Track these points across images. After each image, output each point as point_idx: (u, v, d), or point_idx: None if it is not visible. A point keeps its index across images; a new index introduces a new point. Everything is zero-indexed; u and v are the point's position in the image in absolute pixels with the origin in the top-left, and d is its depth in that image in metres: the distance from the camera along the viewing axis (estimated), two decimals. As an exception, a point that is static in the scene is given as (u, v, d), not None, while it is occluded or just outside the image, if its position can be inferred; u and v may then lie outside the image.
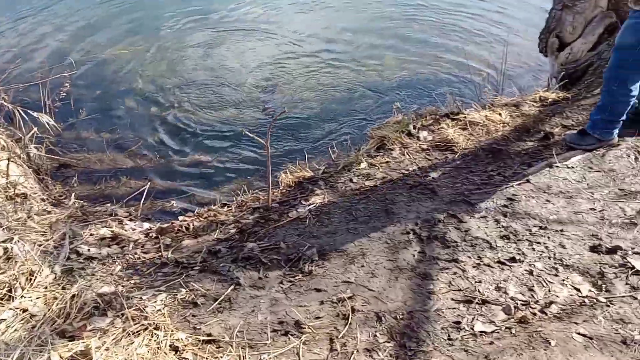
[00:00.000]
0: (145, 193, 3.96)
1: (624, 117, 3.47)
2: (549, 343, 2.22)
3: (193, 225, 3.41)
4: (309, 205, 3.41)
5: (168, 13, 8.13)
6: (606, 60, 4.51)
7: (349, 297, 2.54)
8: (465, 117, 4.10)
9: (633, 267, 2.61)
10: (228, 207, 3.69)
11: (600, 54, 4.62)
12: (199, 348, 2.27)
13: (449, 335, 2.31)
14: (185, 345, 2.26)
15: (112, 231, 3.22)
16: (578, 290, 2.52)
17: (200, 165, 4.92)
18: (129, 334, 2.26)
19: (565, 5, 4.75)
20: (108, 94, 6.04)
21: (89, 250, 2.98)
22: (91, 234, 3.18)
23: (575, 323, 2.32)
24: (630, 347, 2.19)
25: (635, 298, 2.44)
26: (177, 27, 7.69)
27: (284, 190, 3.75)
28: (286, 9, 8.44)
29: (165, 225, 3.43)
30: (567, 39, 4.85)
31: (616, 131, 3.55)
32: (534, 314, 2.39)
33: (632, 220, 2.96)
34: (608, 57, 4.49)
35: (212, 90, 6.06)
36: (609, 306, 2.41)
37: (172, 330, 2.33)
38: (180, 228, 3.37)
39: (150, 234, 3.32)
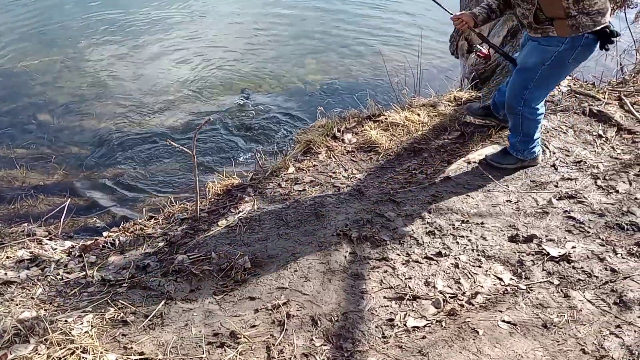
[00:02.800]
0: (65, 210, 3.78)
1: (537, 135, 3.46)
2: (477, 332, 2.33)
3: (119, 240, 3.29)
4: (238, 213, 3.38)
5: (81, 23, 7.81)
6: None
7: (284, 303, 2.55)
8: (386, 118, 4.21)
9: (548, 254, 2.79)
10: (155, 219, 3.60)
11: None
12: (132, 368, 2.20)
13: (383, 333, 2.37)
14: (116, 367, 2.17)
15: (30, 252, 3.06)
16: (500, 279, 2.67)
17: (124, 178, 4.76)
18: (55, 360, 2.15)
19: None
20: (20, 107, 5.73)
21: (5, 274, 2.81)
22: (7, 257, 3.01)
23: (500, 311, 2.45)
24: (550, 329, 2.33)
25: (552, 283, 2.61)
26: (92, 37, 7.40)
27: (213, 200, 3.70)
28: (204, 17, 8.33)
29: (89, 243, 3.29)
30: (476, 41, 5.09)
31: (537, 149, 3.53)
32: (462, 306, 2.50)
33: (544, 210, 3.16)
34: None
35: (132, 99, 5.88)
36: (529, 292, 2.56)
37: (101, 352, 2.24)
38: (105, 244, 3.25)
39: (73, 253, 3.18)
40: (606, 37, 2.94)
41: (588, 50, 3.05)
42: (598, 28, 2.90)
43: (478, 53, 3.66)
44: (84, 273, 2.90)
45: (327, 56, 6.83)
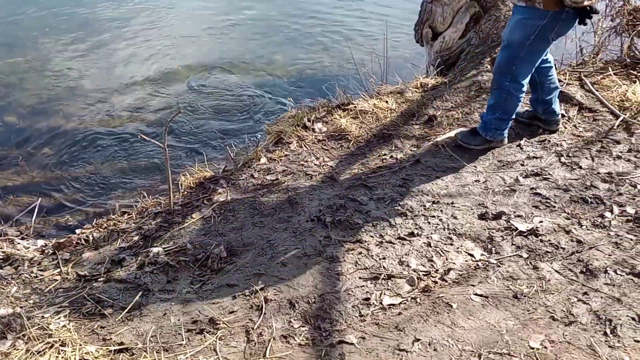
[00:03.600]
0: (36, 209, 3.74)
1: (514, 116, 3.58)
2: (451, 306, 2.39)
3: (93, 236, 3.27)
4: (212, 204, 3.39)
5: (40, 20, 7.66)
6: (475, 46, 4.90)
7: (261, 288, 2.57)
8: (355, 106, 4.26)
9: (516, 229, 2.88)
10: (128, 214, 3.58)
11: (469, 40, 4.99)
12: (111, 358, 2.20)
13: (360, 312, 2.41)
14: (96, 358, 2.17)
15: (2, 252, 3.02)
16: (472, 255, 2.74)
17: (96, 174, 4.71)
18: (34, 354, 2.13)
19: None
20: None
21: (-23, 275, 2.77)
22: (-21, 258, 2.96)
23: (472, 285, 2.52)
24: (520, 300, 2.41)
25: (521, 256, 2.70)
26: (53, 34, 7.27)
27: (185, 192, 3.71)
28: (169, 13, 8.27)
29: (63, 240, 3.26)
30: (439, 29, 5.19)
31: (506, 132, 3.63)
32: (435, 282, 2.57)
33: (512, 188, 3.26)
34: (477, 44, 4.89)
35: (100, 97, 5.83)
36: (499, 266, 2.64)
37: (80, 345, 2.23)
38: (79, 241, 3.22)
39: (47, 251, 3.15)
40: (586, 13, 3.05)
41: (568, 25, 3.18)
42: (582, 4, 2.98)
43: None
44: (59, 270, 2.88)
45: (294, 49, 6.86)
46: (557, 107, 3.79)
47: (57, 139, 5.17)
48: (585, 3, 2.98)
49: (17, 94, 5.88)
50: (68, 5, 8.35)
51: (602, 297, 2.38)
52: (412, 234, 2.90)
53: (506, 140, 3.69)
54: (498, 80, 3.44)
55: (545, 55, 3.54)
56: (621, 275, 2.50)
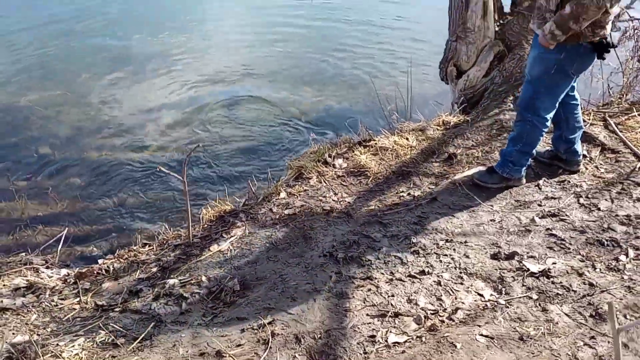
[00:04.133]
0: (62, 239, 3.89)
1: (534, 152, 3.59)
2: (455, 346, 2.39)
3: (113, 267, 3.39)
4: (230, 237, 3.48)
5: (80, 56, 8.08)
6: (499, 85, 4.93)
7: (269, 322, 2.62)
8: (376, 143, 4.33)
9: (528, 270, 2.86)
10: (149, 246, 3.70)
11: (493, 79, 5.03)
12: (120, 387, 2.27)
13: (364, 349, 2.43)
14: (105, 386, 2.25)
15: (27, 280, 3.15)
16: (481, 295, 2.73)
17: (121, 206, 4.89)
18: (45, 380, 2.23)
19: (459, 36, 5.16)
20: (21, 141, 5.93)
21: (1, 301, 2.90)
22: (4, 285, 3.10)
23: (479, 325, 2.51)
24: (526, 342, 2.39)
25: (530, 297, 2.67)
26: (91, 70, 7.64)
27: (206, 225, 3.80)
28: (203, 47, 8.59)
29: (84, 270, 3.38)
30: (464, 67, 5.25)
31: (524, 170, 3.63)
32: (442, 321, 2.57)
33: (527, 228, 3.24)
34: (500, 82, 4.93)
35: (129, 130, 6.08)
36: (508, 307, 2.62)
37: (91, 373, 2.31)
38: (99, 271, 3.34)
39: (69, 280, 3.27)
40: (603, 47, 3.08)
41: (587, 59, 3.21)
42: (596, 39, 3.04)
43: None
44: (78, 299, 2.99)
45: (322, 85, 7.02)
46: (579, 147, 3.77)
47: (86, 171, 5.41)
48: (597, 38, 3.02)
49: (51, 127, 6.20)
50: (103, 38, 8.77)
51: (609, 342, 2.34)
52: (422, 272, 2.91)
53: (524, 179, 3.68)
54: (521, 113, 3.49)
55: (572, 92, 3.56)
56: (631, 319, 2.45)
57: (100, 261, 3.54)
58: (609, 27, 3.08)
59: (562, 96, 3.42)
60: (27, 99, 6.80)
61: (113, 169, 5.41)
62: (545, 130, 3.50)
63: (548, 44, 3.11)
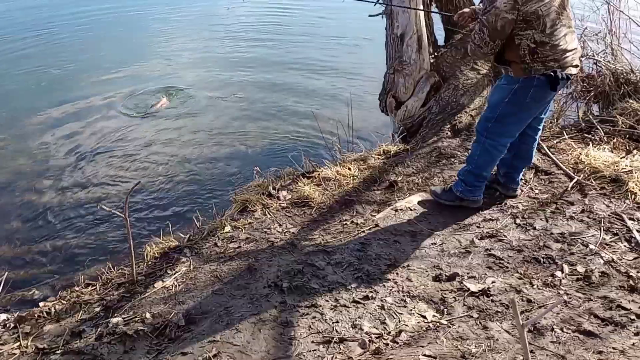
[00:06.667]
0: (2, 284, 3.73)
1: (486, 177, 3.69)
2: (399, 368, 2.40)
3: (55, 309, 3.28)
4: (175, 273, 3.42)
5: (23, 103, 7.91)
6: (436, 114, 5.11)
7: (214, 355, 2.57)
8: (319, 174, 4.38)
9: (468, 289, 2.93)
10: (92, 286, 3.59)
11: (430, 108, 5.22)
12: None
13: (310, 377, 2.41)
14: None
15: (-37, 326, 3.00)
16: (424, 317, 2.77)
17: (63, 248, 4.74)
18: None
19: (396, 69, 5.35)
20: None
21: None
22: (-62, 332, 2.95)
23: (422, 346, 2.54)
24: (468, 359, 2.43)
25: (471, 316, 2.74)
26: (34, 116, 7.47)
27: (150, 262, 3.73)
28: (143, 72, 8.59)
29: (25, 314, 3.26)
30: (402, 98, 5.43)
31: (480, 193, 3.74)
32: (387, 344, 2.59)
33: (467, 249, 3.33)
34: (437, 111, 5.11)
35: (69, 173, 5.94)
36: (450, 327, 2.67)
37: (23, 420, 2.20)
38: (40, 314, 3.23)
39: (8, 325, 3.15)
40: (553, 80, 3.22)
41: (543, 90, 3.31)
42: (548, 72, 3.20)
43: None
44: (18, 343, 2.87)
45: (266, 121, 7.09)
46: (519, 177, 3.89)
47: (27, 214, 5.24)
48: (548, 71, 3.18)
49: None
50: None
51: (547, 355, 2.41)
52: (366, 297, 2.94)
53: (480, 201, 3.78)
54: (477, 135, 3.64)
55: (538, 124, 3.70)
56: (567, 332, 2.54)
57: (41, 304, 3.41)
58: (569, 59, 3.23)
59: (520, 125, 3.53)
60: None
61: (53, 211, 5.25)
62: (499, 155, 3.61)
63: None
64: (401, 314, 2.80)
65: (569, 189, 3.94)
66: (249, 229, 3.85)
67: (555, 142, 4.69)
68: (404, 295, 2.94)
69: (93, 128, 7.03)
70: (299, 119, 7.06)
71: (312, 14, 12.20)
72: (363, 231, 3.61)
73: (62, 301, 3.43)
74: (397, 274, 3.14)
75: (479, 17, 3.26)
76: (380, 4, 5.21)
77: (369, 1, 4.85)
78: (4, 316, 3.36)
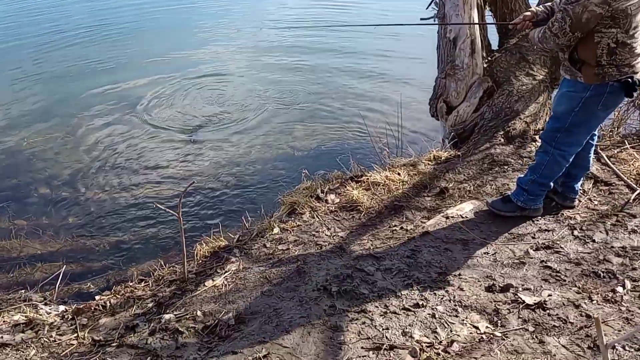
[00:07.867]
0: (60, 276, 3.87)
1: (551, 185, 3.58)
2: (452, 379, 2.34)
3: (110, 303, 3.36)
4: (224, 273, 3.45)
5: (80, 98, 8.20)
6: (489, 120, 5.00)
7: (264, 356, 2.58)
8: (368, 178, 4.35)
9: (523, 302, 2.84)
10: (145, 282, 3.67)
11: (482, 114, 5.11)
12: None
13: (360, 383, 2.38)
14: None
15: (26, 316, 3.13)
16: (476, 327, 2.70)
17: (118, 244, 4.92)
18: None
19: (448, 73, 5.27)
20: (22, 183, 6.01)
21: (1, 337, 2.89)
22: (4, 321, 3.09)
23: (475, 358, 2.47)
24: (524, 374, 2.35)
25: (527, 329, 2.65)
26: (91, 112, 7.75)
27: (200, 261, 3.78)
28: (196, 87, 8.72)
29: (82, 306, 3.36)
30: (453, 103, 5.33)
31: (541, 201, 3.63)
32: (438, 354, 2.53)
33: (521, 260, 3.23)
34: (490, 117, 4.99)
35: (125, 171, 6.14)
36: (504, 339, 2.59)
37: (79, 410, 2.25)
38: (97, 307, 3.32)
39: (66, 316, 3.24)
40: (630, 87, 3.07)
41: (616, 97, 3.18)
42: (622, 78, 3.04)
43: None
44: (76, 335, 2.96)
45: (314, 123, 7.11)
46: (578, 186, 3.76)
47: (84, 210, 5.46)
48: (624, 77, 3.03)
49: (51, 168, 6.30)
50: (102, 83, 8.92)
51: (609, 374, 2.30)
52: (417, 305, 2.88)
53: (541, 210, 3.66)
54: (543, 144, 3.51)
55: (596, 130, 3.56)
56: (629, 351, 2.42)
57: (97, 297, 3.51)
58: (638, 65, 3.08)
59: (589, 133, 3.42)
60: (29, 141, 6.93)
61: (109, 208, 5.47)
62: (566, 165, 3.48)
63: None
64: (453, 323, 2.73)
65: (630, 200, 3.77)
66: (297, 231, 3.85)
67: (616, 151, 4.52)
68: (455, 305, 2.87)
69: (148, 129, 7.23)
70: (347, 122, 7.06)
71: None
72: (413, 238, 3.55)
73: (117, 295, 3.52)
74: (448, 282, 3.07)
75: (563, 6, 3.03)
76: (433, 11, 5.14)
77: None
78: (62, 308, 3.49)
